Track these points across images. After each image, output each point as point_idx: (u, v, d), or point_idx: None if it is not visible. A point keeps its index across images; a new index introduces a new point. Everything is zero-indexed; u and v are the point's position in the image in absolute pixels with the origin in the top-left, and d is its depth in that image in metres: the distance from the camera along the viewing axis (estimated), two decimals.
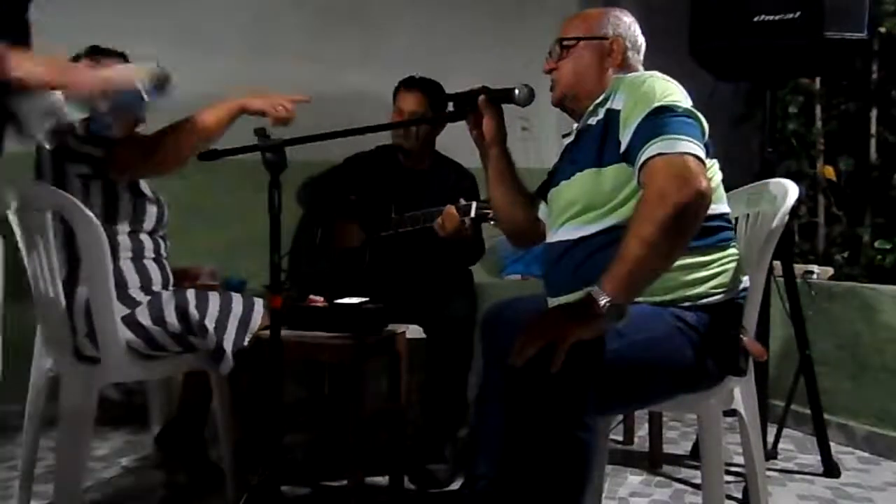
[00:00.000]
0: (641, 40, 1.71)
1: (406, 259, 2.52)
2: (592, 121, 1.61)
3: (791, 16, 2.22)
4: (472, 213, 2.31)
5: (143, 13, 3.10)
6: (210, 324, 1.92)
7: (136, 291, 1.96)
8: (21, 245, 1.91)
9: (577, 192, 1.57)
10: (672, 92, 1.47)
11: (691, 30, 2.39)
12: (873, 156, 3.28)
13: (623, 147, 1.46)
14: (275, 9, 3.25)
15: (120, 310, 1.87)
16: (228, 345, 1.93)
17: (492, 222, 2.30)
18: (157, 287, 2.02)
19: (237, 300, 2.01)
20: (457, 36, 3.54)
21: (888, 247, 3.14)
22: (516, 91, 1.69)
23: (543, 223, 1.80)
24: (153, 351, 1.94)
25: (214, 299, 1.97)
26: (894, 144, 3.26)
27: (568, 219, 1.57)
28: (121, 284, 1.91)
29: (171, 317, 1.91)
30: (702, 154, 1.37)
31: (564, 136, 1.77)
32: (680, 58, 2.32)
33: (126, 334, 1.87)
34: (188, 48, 3.00)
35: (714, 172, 1.54)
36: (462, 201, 2.34)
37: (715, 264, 1.47)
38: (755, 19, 2.25)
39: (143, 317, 1.90)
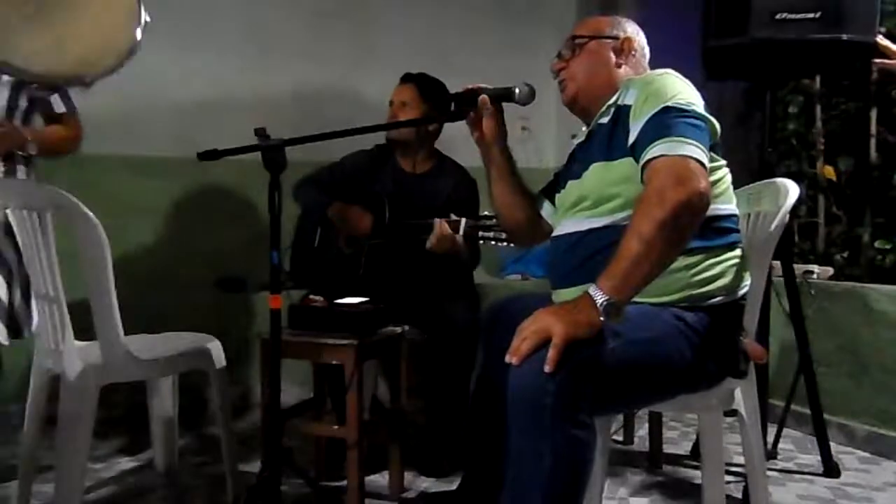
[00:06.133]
0: (647, 49, 1.74)
1: (404, 262, 2.49)
2: (604, 120, 1.60)
3: (802, 17, 2.21)
4: (461, 231, 2.25)
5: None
6: None
7: None
8: (20, 244, 1.91)
9: (587, 187, 1.57)
10: (683, 92, 1.47)
11: (703, 30, 2.39)
12: (873, 156, 3.28)
13: (630, 141, 1.47)
14: (275, 9, 3.25)
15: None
16: None
17: (481, 241, 2.25)
18: None
19: None
20: (457, 36, 3.54)
21: (888, 247, 3.14)
22: (517, 90, 1.68)
23: (546, 223, 1.79)
24: None
25: None
26: (894, 144, 3.26)
27: (577, 212, 1.57)
28: None
29: None
30: (704, 159, 1.37)
31: (574, 137, 1.77)
32: (678, 57, 2.31)
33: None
34: (189, 49, 3.01)
35: (724, 174, 1.55)
36: (452, 216, 2.28)
37: (723, 265, 1.47)
38: (760, 20, 2.25)
39: None
